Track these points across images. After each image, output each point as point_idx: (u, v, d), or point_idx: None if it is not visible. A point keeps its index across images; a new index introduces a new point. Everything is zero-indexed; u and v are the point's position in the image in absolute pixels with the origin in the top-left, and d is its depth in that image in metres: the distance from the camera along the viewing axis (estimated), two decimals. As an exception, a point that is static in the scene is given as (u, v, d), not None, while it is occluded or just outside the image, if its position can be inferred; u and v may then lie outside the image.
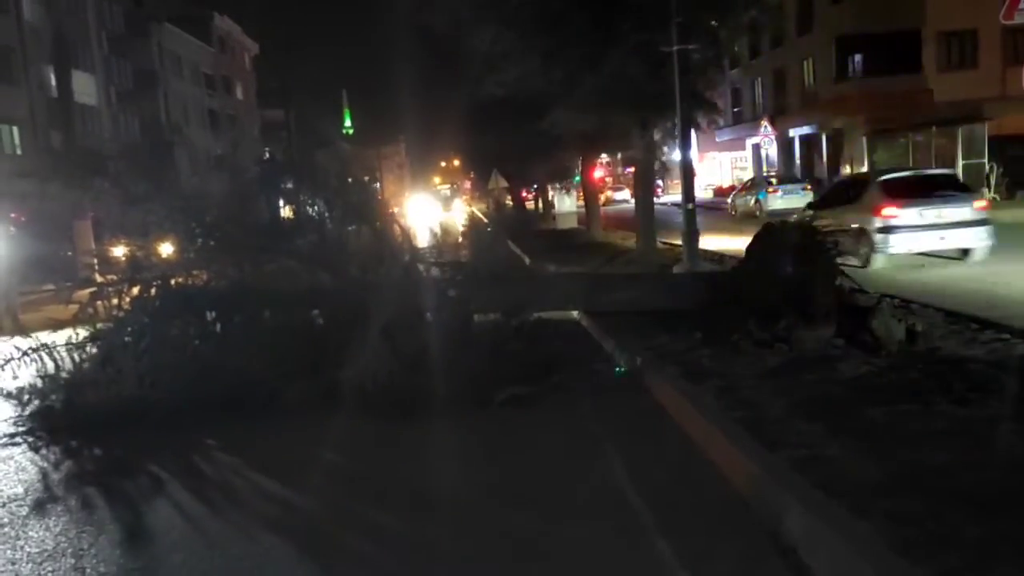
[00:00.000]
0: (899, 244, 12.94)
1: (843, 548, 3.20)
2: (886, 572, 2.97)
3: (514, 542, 3.89)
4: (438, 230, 10.85)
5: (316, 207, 8.65)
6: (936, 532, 3.21)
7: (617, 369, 7.31)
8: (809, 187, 31.55)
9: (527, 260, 17.58)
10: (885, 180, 13.90)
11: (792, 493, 3.74)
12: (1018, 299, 9.11)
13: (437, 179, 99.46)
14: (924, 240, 12.93)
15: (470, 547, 3.88)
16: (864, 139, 34.02)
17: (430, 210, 46.98)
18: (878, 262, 13.01)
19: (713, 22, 13.32)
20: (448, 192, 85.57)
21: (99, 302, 7.61)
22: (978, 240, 12.89)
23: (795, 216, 12.65)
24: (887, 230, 12.90)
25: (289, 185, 8.97)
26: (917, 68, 33.64)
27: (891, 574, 2.96)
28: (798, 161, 42.74)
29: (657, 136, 15.86)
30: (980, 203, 13.32)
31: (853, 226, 12.92)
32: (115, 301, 7.57)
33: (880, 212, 13.02)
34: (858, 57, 35.54)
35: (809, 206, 15.62)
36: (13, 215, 26.35)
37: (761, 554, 3.51)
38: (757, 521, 3.81)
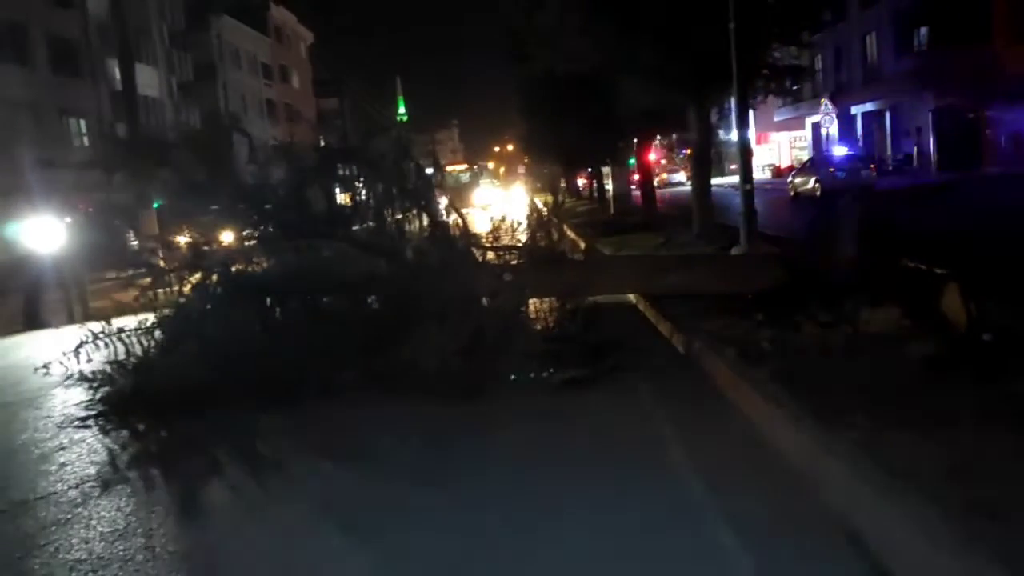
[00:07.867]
0: None
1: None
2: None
3: (577, 526, 3.88)
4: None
5: (373, 193, 8.70)
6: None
7: None
8: (874, 167, 30.72)
9: (582, 244, 17.49)
10: None
11: (859, 477, 3.65)
12: None
13: (492, 163, 78.60)
14: None
15: (536, 535, 3.87)
16: (930, 115, 32.99)
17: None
18: None
19: None
20: (466, 178, 51.61)
21: (161, 289, 7.80)
22: None
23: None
24: None
25: (346, 172, 9.03)
26: (987, 40, 32.26)
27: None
28: (860, 140, 41.68)
29: (714, 118, 15.62)
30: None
31: None
32: (177, 288, 7.75)
33: None
34: (923, 30, 34.36)
35: None
36: (81, 205, 27.22)
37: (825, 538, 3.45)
38: (814, 500, 3.74)
